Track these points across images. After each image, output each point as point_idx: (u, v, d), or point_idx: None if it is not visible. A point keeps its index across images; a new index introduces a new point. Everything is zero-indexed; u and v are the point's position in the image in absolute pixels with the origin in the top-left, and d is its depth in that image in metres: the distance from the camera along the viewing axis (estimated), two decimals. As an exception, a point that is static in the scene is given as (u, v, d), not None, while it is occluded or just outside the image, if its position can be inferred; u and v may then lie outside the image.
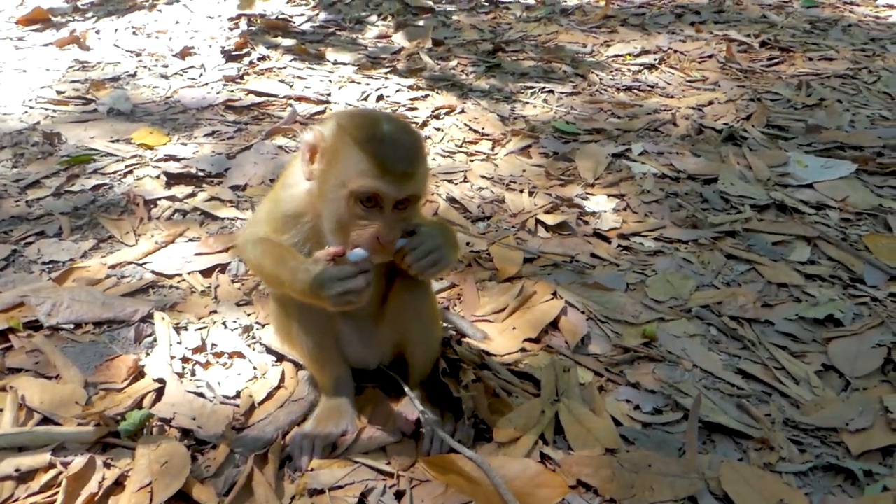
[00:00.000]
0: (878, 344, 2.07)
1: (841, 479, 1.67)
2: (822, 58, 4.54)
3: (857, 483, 1.64)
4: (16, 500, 1.47)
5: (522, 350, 2.02)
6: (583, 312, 2.17)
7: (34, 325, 2.00)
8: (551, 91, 4.03)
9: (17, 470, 1.52)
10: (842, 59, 4.51)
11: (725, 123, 3.57)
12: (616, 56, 4.61)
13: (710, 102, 3.87)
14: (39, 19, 4.96)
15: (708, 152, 3.30)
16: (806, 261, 2.49)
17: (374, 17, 5.32)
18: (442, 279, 2.32)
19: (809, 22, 5.31)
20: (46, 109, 3.51)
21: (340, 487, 1.55)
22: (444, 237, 1.53)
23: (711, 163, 3.18)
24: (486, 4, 5.81)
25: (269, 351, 1.97)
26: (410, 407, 1.71)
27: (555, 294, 2.22)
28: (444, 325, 1.96)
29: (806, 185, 3.00)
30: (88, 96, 3.68)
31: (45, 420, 1.67)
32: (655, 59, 4.52)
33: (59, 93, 3.72)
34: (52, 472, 1.52)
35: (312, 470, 1.58)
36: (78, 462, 1.52)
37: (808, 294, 2.32)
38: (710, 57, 4.54)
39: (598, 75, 4.27)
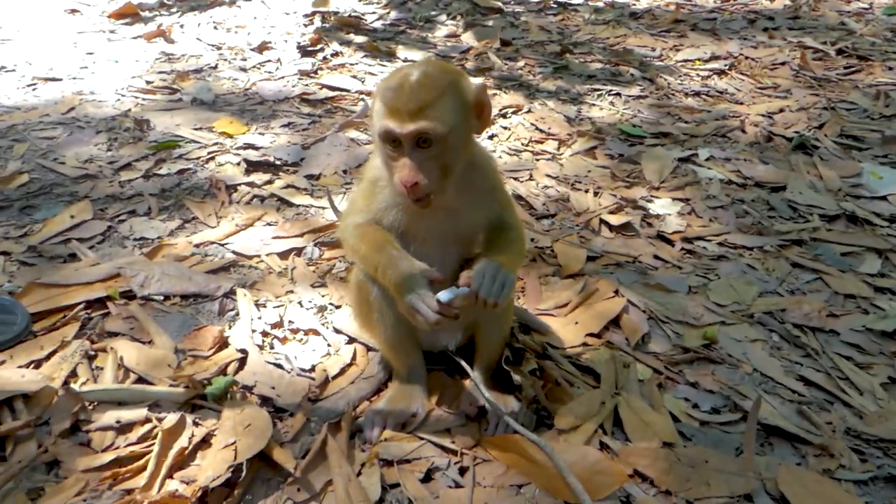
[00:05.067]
0: (948, 359, 2.03)
1: (903, 491, 1.66)
2: (902, 67, 4.40)
3: (919, 496, 1.63)
4: (116, 448, 1.62)
5: (584, 344, 2.07)
6: (644, 311, 2.20)
7: (129, 295, 2.17)
8: (618, 94, 4.04)
9: (117, 421, 1.67)
10: (924, 69, 4.36)
11: (796, 132, 3.51)
12: (685, 61, 4.58)
13: (781, 110, 3.81)
14: (129, 14, 5.28)
15: (777, 160, 3.26)
16: (876, 273, 2.46)
17: (443, 17, 5.43)
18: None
19: (891, 30, 5.13)
20: (136, 98, 3.74)
21: (408, 461, 1.64)
22: (499, 264, 1.52)
23: (780, 171, 3.15)
24: (555, 6, 5.84)
25: (341, 332, 2.08)
26: (476, 391, 1.79)
27: (616, 292, 2.26)
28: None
29: (879, 196, 2.94)
30: (174, 86, 3.91)
31: (141, 380, 1.83)
32: (725, 65, 4.47)
33: (147, 82, 3.96)
34: (147, 426, 1.67)
35: (385, 440, 1.68)
36: (171, 419, 1.67)
37: (877, 306, 2.29)
38: (782, 64, 4.45)
39: (666, 79, 4.26)
